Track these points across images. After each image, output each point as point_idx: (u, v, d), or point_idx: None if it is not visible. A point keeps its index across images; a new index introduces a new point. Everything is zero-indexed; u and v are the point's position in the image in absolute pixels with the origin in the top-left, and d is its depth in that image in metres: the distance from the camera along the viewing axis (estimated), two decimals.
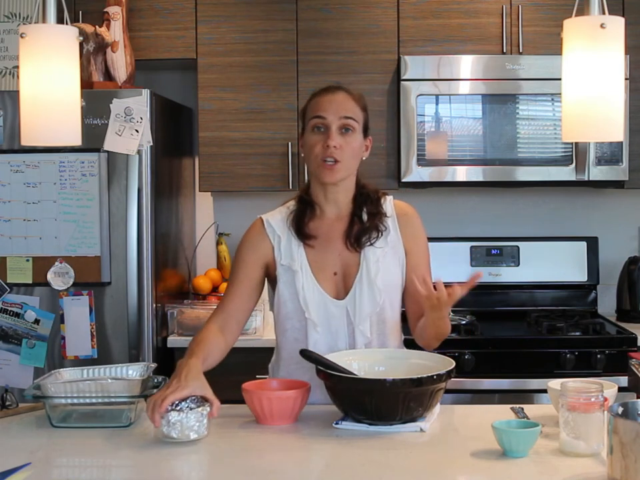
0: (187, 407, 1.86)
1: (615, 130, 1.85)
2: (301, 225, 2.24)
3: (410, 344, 2.31)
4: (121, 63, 3.43)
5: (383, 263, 2.21)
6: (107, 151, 3.21)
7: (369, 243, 2.22)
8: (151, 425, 1.88)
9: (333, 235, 2.25)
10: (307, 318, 2.19)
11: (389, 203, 2.29)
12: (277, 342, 2.31)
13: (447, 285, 2.00)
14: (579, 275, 3.80)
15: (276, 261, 2.24)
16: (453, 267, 3.61)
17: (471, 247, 3.80)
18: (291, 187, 3.57)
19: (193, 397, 1.90)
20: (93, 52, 3.35)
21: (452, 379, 2.00)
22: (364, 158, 2.27)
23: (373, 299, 2.18)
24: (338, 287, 2.22)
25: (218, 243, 3.91)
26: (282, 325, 2.25)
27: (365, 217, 2.24)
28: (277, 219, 2.28)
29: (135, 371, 2.19)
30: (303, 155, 2.26)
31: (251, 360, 3.29)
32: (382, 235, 2.23)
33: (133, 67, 3.47)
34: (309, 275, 2.21)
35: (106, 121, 3.21)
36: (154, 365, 2.22)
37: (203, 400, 1.90)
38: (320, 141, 2.17)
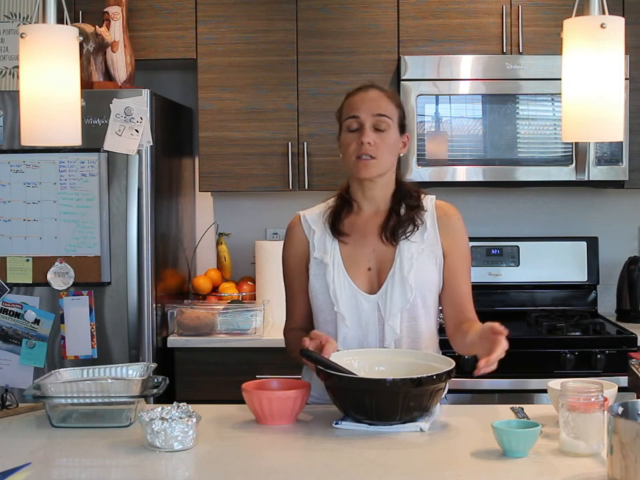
0: (173, 416, 1.84)
1: (615, 130, 1.85)
2: (336, 221, 2.27)
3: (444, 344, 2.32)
4: (121, 63, 3.43)
5: (418, 260, 2.21)
6: (107, 151, 3.21)
7: (404, 237, 2.22)
8: None
9: (369, 229, 2.26)
10: (336, 312, 2.20)
11: (430, 202, 2.29)
12: None
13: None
14: (578, 274, 3.80)
15: (310, 253, 2.27)
16: None
17: (471, 247, 3.75)
18: (290, 187, 3.57)
19: (183, 407, 1.89)
20: (93, 52, 3.35)
21: (452, 379, 2.00)
22: (401, 155, 2.29)
23: (404, 295, 2.18)
24: (372, 283, 2.23)
25: (218, 243, 3.90)
26: (315, 317, 2.28)
27: (402, 211, 2.25)
28: (314, 213, 2.32)
29: (134, 371, 2.19)
30: (340, 155, 2.27)
31: (251, 360, 3.30)
32: (418, 228, 2.23)
33: (133, 66, 3.47)
34: (341, 269, 2.22)
35: (106, 121, 3.21)
36: (154, 365, 2.22)
37: (191, 411, 1.89)
38: (354, 139, 2.20)
